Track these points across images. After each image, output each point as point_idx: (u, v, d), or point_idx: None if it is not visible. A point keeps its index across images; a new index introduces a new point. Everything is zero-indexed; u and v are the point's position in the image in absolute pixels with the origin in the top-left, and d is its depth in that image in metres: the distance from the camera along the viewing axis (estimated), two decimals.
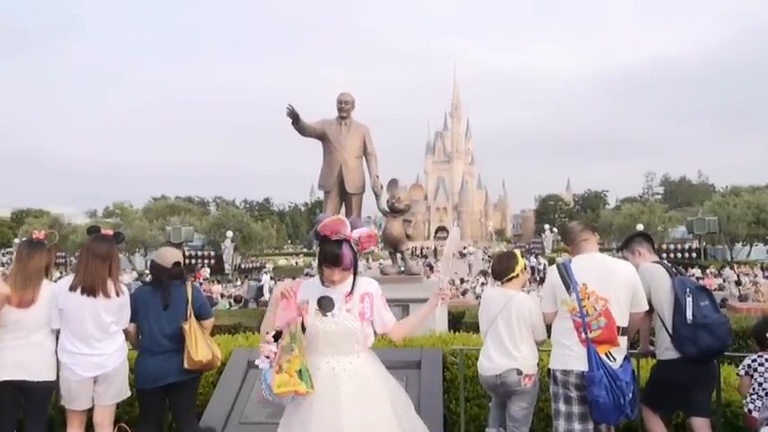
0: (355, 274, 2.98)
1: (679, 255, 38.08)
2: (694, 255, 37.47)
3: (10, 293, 4.02)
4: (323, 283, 3.04)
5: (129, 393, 4.42)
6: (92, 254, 4.25)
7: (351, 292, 2.99)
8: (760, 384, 3.91)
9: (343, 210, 7.89)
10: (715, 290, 26.32)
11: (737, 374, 4.21)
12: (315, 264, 7.98)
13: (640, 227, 35.82)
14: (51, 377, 4.21)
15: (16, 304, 4.06)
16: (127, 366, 4.39)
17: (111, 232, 4.43)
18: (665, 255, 39.31)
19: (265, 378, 2.92)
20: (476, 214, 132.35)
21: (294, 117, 7.50)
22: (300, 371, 2.83)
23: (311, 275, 7.86)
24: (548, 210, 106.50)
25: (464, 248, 51.48)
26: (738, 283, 25.49)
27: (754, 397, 3.95)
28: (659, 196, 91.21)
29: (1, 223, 69.67)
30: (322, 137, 7.89)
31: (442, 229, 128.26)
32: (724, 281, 29.94)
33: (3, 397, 4.07)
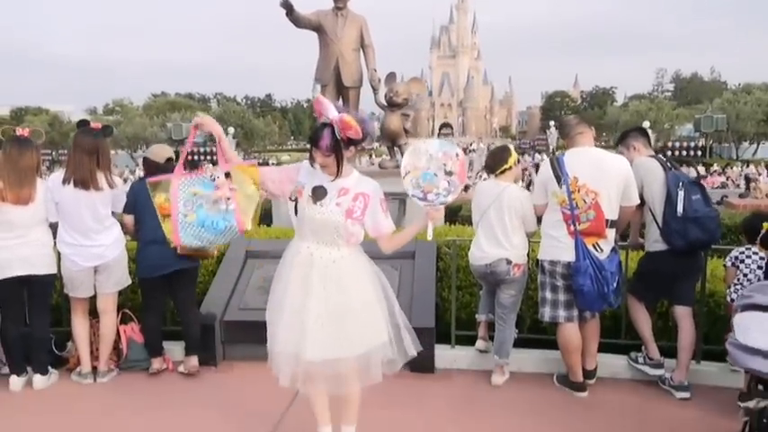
0: (339, 162, 2.93)
1: (684, 153, 37.88)
2: (699, 153, 37.26)
3: (2, 188, 4.05)
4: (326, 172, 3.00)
5: (129, 282, 4.58)
6: (78, 147, 4.25)
7: (347, 190, 2.97)
8: (745, 275, 3.99)
9: (340, 104, 7.77)
10: (717, 188, 26.40)
11: (724, 266, 4.30)
12: None
13: (647, 124, 35.34)
14: (53, 270, 4.35)
15: (13, 201, 4.11)
16: (126, 256, 4.51)
17: (99, 125, 4.40)
18: (669, 153, 39.15)
19: (219, 222, 2.96)
20: (481, 111, 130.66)
21: (288, 7, 7.22)
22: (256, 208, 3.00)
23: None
24: (554, 106, 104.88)
25: (469, 145, 51.26)
26: (747, 180, 25.34)
27: (738, 287, 4.06)
28: (669, 93, 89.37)
29: (0, 121, 69.27)
30: (318, 28, 7.63)
31: (446, 125, 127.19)
32: (727, 179, 29.97)
33: (10, 291, 4.23)
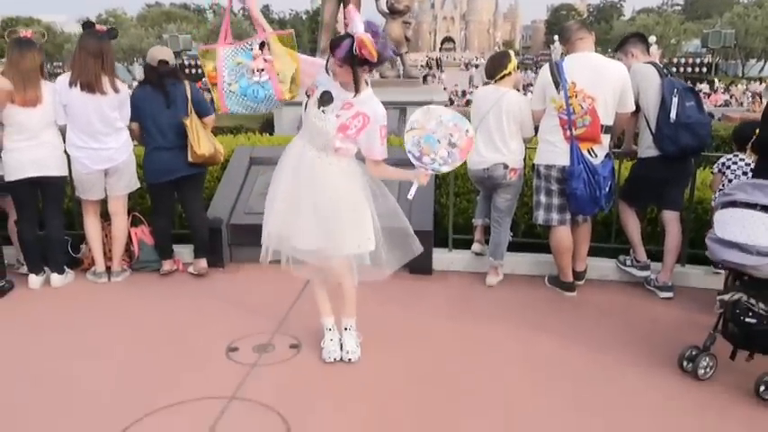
0: (355, 76, 2.94)
1: (689, 69, 37.20)
2: (705, 69, 36.58)
3: (12, 89, 4.11)
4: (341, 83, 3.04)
5: (138, 185, 4.72)
6: (83, 50, 4.27)
7: (351, 105, 3.01)
8: (730, 181, 4.11)
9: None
10: (720, 105, 26.16)
11: (711, 172, 4.43)
12: None
13: (653, 39, 34.54)
14: (64, 172, 4.47)
15: (20, 103, 4.18)
16: (134, 160, 4.63)
17: (104, 28, 4.39)
18: (674, 69, 38.46)
19: (259, 90, 3.08)
20: (484, 24, 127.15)
21: None
22: (293, 76, 3.08)
23: None
24: (559, 20, 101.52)
25: (469, 61, 50.19)
26: (755, 96, 25.04)
27: (719, 195, 4.19)
28: (679, 8, 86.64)
29: None
30: None
31: (448, 39, 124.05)
32: (731, 97, 29.64)
33: (24, 192, 4.38)
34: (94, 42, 4.28)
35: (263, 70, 3.04)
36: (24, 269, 4.64)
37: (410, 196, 3.07)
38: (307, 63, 3.14)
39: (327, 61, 3.02)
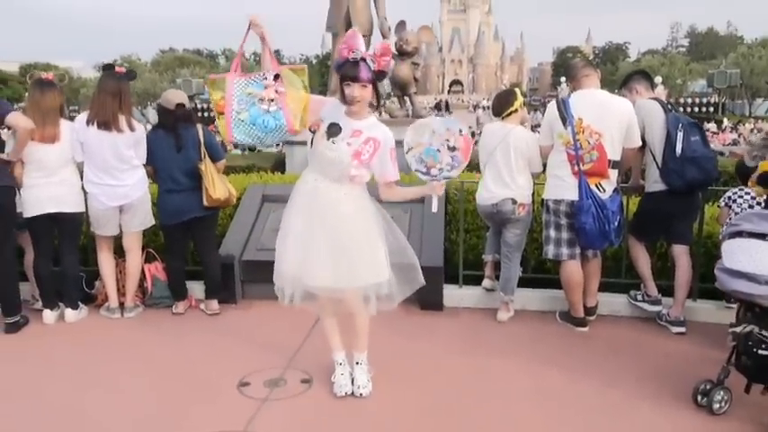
0: (377, 93, 3.09)
1: (696, 109, 37.43)
2: (712, 109, 36.78)
3: (34, 127, 4.24)
4: (348, 111, 3.12)
5: (153, 222, 4.80)
6: (102, 90, 4.43)
7: (360, 132, 3.11)
8: (736, 214, 4.13)
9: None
10: (729, 144, 26.21)
11: (718, 206, 4.45)
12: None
13: (659, 80, 34.94)
14: (81, 209, 4.58)
15: (39, 139, 4.31)
16: (149, 197, 4.72)
17: (123, 69, 4.55)
18: (681, 109, 38.70)
19: (270, 120, 3.01)
20: (491, 67, 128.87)
21: None
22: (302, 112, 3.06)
23: None
24: (565, 62, 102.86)
25: (477, 103, 50.77)
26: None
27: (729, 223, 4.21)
28: (683, 49, 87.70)
29: (10, 78, 68.96)
30: None
31: (456, 82, 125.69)
32: (739, 136, 29.69)
33: (41, 228, 4.49)
34: (113, 82, 4.44)
35: (273, 100, 3.01)
36: (39, 305, 4.69)
37: (435, 209, 3.18)
38: (313, 100, 3.17)
39: (342, 95, 3.09)
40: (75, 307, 4.62)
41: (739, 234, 2.96)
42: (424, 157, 3.07)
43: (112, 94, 4.40)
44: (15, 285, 4.50)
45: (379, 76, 3.03)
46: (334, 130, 3.09)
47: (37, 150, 4.33)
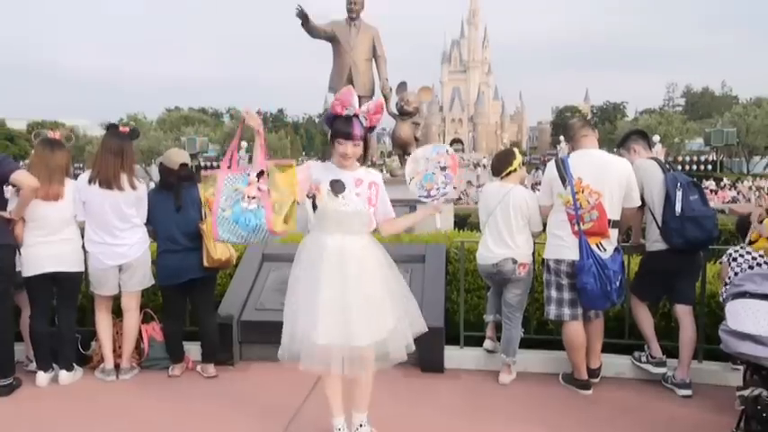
0: (366, 149, 3.17)
1: (694, 167, 37.81)
2: (710, 167, 37.18)
3: (39, 186, 4.26)
4: (338, 164, 3.20)
5: (152, 281, 4.76)
6: (105, 148, 4.48)
7: (361, 180, 3.19)
8: (735, 274, 4.10)
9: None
10: (728, 202, 26.35)
11: (719, 262, 4.43)
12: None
13: (656, 138, 35.44)
14: (81, 268, 4.56)
15: (42, 197, 4.32)
16: (149, 257, 4.70)
17: (126, 129, 4.61)
18: (679, 167, 39.09)
19: (251, 219, 2.96)
20: (491, 126, 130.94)
21: (303, 18, 7.48)
22: (287, 212, 2.99)
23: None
24: (564, 121, 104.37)
25: (478, 161, 51.37)
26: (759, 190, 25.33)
27: (729, 287, 4.17)
28: (680, 108, 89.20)
29: (17, 135, 70.15)
30: (332, 38, 7.88)
31: (456, 141, 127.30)
32: (738, 193, 29.89)
33: (40, 287, 4.45)
34: (116, 141, 4.49)
35: (254, 197, 2.97)
36: (33, 366, 4.61)
37: (439, 226, 3.44)
38: (301, 172, 3.14)
39: (335, 152, 3.16)
40: (69, 368, 4.54)
41: (743, 295, 2.93)
42: (423, 183, 3.33)
43: (115, 152, 4.45)
44: (10, 346, 4.43)
45: (370, 129, 3.17)
46: (338, 186, 3.13)
47: (40, 208, 4.35)
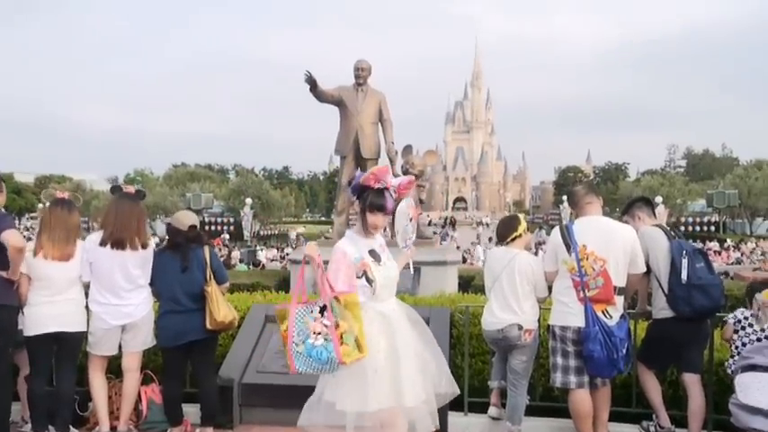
0: (393, 220, 3.49)
1: (698, 228, 37.83)
2: (713, 228, 37.19)
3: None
4: (365, 233, 3.37)
5: (154, 342, 4.72)
6: (119, 210, 4.52)
7: (383, 245, 3.42)
8: (743, 344, 4.05)
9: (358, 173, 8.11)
10: (732, 263, 26.23)
11: (724, 320, 4.40)
12: (334, 228, 8.23)
13: (659, 199, 35.59)
14: (84, 328, 4.53)
15: (58, 258, 4.34)
16: (153, 317, 4.68)
17: (132, 189, 4.69)
18: (683, 228, 39.07)
19: (323, 352, 3.05)
20: (494, 185, 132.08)
21: (312, 83, 7.67)
22: (356, 338, 3.08)
23: (328, 238, 8.10)
24: (567, 181, 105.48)
25: (481, 220, 51.57)
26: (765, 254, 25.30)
27: (737, 358, 4.12)
28: (681, 169, 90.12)
29: (24, 188, 70.96)
30: (339, 103, 8.06)
31: (460, 199, 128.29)
32: (741, 255, 29.77)
33: (41, 347, 4.40)
34: (129, 203, 4.58)
35: (319, 333, 3.08)
36: (28, 428, 4.53)
37: (412, 271, 3.93)
38: (342, 267, 3.28)
39: (364, 223, 3.34)
40: (66, 431, 4.45)
41: (753, 368, 2.90)
42: (404, 235, 3.62)
43: (128, 214, 4.51)
44: (7, 406, 4.37)
45: (398, 202, 3.38)
46: (376, 254, 3.32)
47: (48, 269, 4.35)
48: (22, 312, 4.39)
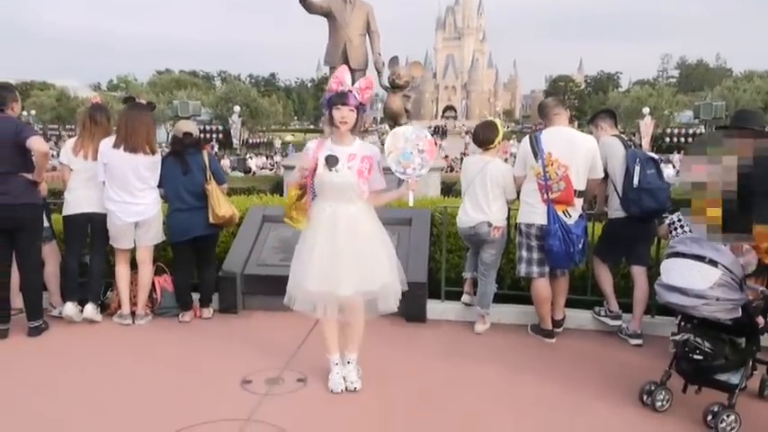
0: (358, 120, 3.66)
1: (682, 139, 38.26)
2: None
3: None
4: (337, 138, 3.71)
5: (163, 238, 5.27)
6: (132, 119, 4.97)
7: (354, 155, 3.67)
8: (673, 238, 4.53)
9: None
10: None
11: (659, 223, 4.87)
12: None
13: (646, 110, 35.83)
14: None
15: (93, 157, 4.97)
16: (161, 215, 5.21)
17: (144, 101, 5.12)
18: (667, 139, 39.50)
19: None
20: (485, 94, 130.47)
21: None
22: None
23: None
24: (558, 91, 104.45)
25: (468, 129, 51.49)
26: None
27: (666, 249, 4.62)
28: (674, 80, 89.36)
29: None
30: (328, 14, 8.27)
31: (449, 108, 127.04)
32: None
33: (77, 226, 5.07)
34: (142, 113, 5.06)
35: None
36: (56, 312, 5.14)
37: (411, 203, 3.77)
38: (304, 159, 3.76)
39: (330, 121, 3.68)
40: (96, 300, 5.07)
41: (675, 255, 3.46)
42: (401, 159, 3.65)
43: (141, 122, 4.97)
44: (40, 293, 4.97)
45: (362, 107, 3.63)
46: (332, 160, 3.63)
47: (88, 162, 4.98)
48: (47, 209, 4.90)
